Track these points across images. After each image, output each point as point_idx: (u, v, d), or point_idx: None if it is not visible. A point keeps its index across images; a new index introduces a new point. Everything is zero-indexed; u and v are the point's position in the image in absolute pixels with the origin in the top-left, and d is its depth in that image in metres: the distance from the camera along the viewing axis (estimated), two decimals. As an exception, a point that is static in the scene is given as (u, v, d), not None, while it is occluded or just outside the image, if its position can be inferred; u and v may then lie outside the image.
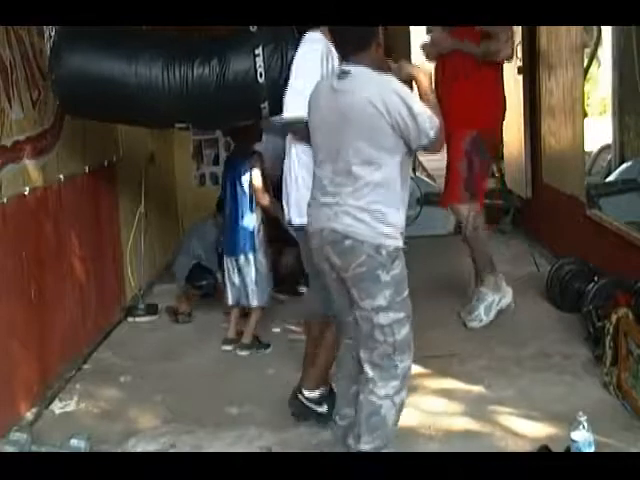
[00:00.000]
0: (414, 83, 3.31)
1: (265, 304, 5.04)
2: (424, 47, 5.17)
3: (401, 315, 3.19)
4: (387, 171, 3.13)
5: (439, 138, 3.17)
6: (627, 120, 6.10)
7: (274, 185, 4.63)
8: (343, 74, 3.19)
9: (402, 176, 3.19)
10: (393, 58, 3.51)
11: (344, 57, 3.27)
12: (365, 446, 3.22)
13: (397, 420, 3.28)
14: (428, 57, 5.17)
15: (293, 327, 5.19)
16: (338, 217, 3.16)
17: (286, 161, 3.77)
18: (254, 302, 4.98)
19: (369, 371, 3.22)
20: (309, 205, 3.35)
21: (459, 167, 4.99)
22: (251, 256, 4.95)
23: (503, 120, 5.27)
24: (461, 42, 4.92)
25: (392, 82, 3.14)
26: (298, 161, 3.66)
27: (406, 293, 3.23)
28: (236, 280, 5.01)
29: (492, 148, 5.31)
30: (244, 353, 4.93)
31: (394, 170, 3.14)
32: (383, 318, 3.17)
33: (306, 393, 3.84)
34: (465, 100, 4.89)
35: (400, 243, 3.18)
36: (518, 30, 6.87)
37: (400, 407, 3.27)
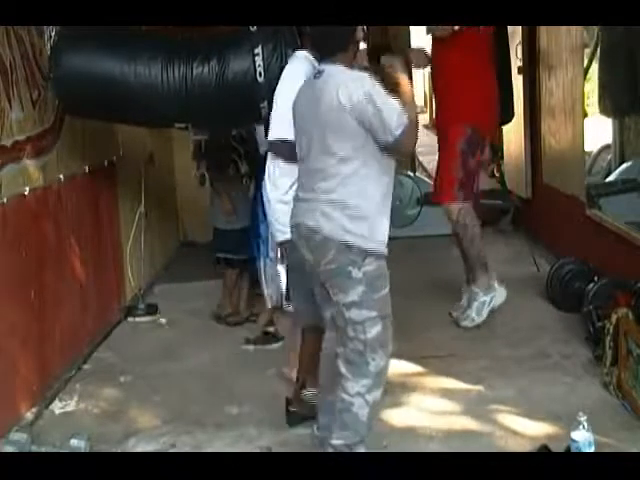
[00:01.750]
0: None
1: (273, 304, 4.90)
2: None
3: (373, 314, 3.18)
4: (356, 165, 3.14)
5: (407, 138, 3.15)
6: (627, 120, 6.08)
7: None
8: (318, 73, 3.26)
9: (378, 172, 3.19)
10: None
11: (321, 58, 3.33)
12: (336, 441, 3.23)
13: (371, 417, 3.27)
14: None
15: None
16: (312, 212, 3.20)
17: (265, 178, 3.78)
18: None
19: (342, 367, 3.23)
20: (294, 201, 3.39)
21: (453, 166, 4.97)
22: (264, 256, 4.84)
23: (499, 111, 5.18)
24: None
25: (361, 78, 3.16)
26: (279, 172, 3.67)
27: (384, 292, 3.21)
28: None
29: (490, 138, 5.26)
30: (248, 347, 4.95)
31: (365, 164, 3.16)
32: (355, 314, 3.17)
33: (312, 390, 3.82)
34: (458, 96, 4.90)
35: (367, 245, 3.14)
36: (518, 30, 6.88)
37: (373, 405, 3.26)
